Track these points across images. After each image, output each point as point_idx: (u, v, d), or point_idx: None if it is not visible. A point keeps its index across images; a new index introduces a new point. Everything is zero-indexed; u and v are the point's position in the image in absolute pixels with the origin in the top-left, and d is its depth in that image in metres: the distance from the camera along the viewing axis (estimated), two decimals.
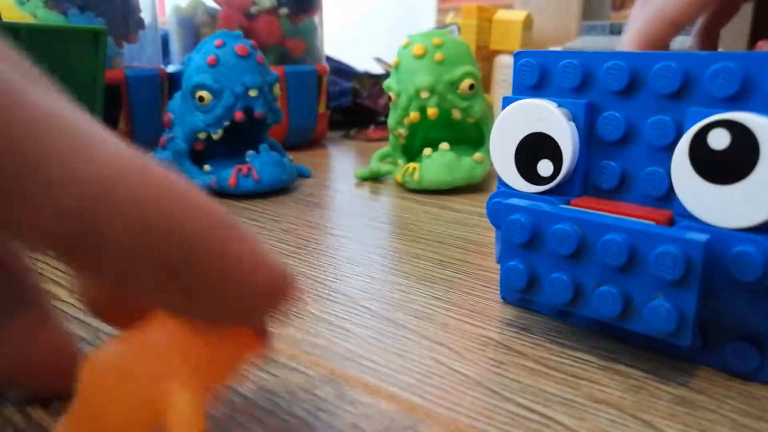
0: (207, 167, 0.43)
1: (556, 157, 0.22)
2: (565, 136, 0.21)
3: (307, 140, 0.64)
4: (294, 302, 0.13)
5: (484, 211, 0.38)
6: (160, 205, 0.11)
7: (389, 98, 0.45)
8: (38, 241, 0.10)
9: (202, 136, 0.43)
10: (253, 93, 0.42)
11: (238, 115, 0.42)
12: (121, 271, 0.11)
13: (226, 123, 0.42)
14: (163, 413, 0.12)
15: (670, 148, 0.19)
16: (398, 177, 0.45)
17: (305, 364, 0.20)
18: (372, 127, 0.75)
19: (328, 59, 0.75)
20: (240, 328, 0.14)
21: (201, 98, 0.42)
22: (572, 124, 0.21)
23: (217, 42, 0.43)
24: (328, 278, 0.27)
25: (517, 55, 0.23)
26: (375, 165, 0.48)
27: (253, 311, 0.13)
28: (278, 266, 0.13)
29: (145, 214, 0.11)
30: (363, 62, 0.88)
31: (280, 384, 0.18)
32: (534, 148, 0.22)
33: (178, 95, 0.45)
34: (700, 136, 0.18)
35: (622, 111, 0.21)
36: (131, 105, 0.52)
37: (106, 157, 0.11)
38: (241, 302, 0.12)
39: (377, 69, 0.86)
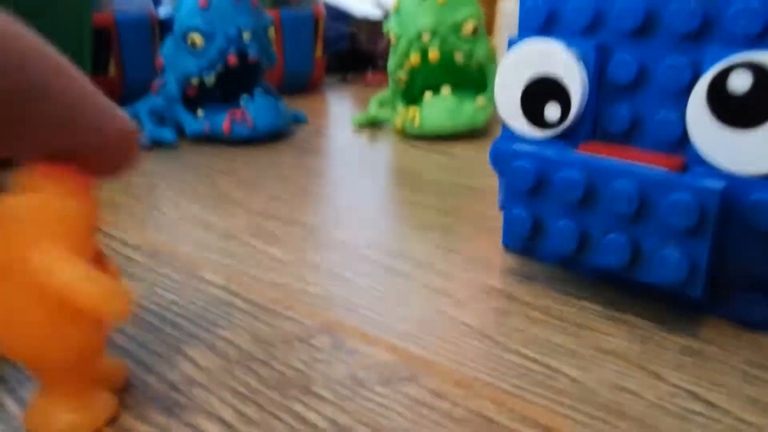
0: (200, 112, 0.42)
1: (564, 100, 0.21)
2: (574, 78, 0.20)
3: (303, 85, 0.62)
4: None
5: (487, 157, 0.38)
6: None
7: (389, 42, 0.44)
8: None
9: (194, 81, 0.41)
10: (246, 36, 0.41)
11: (232, 59, 0.41)
12: None
13: (220, 67, 0.41)
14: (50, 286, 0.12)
15: (686, 91, 0.18)
16: (398, 123, 0.44)
17: (302, 314, 0.19)
18: (370, 71, 0.74)
19: (325, 4, 0.72)
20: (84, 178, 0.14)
21: (193, 42, 0.40)
22: (581, 66, 0.20)
23: None
24: (326, 226, 0.26)
25: None
26: (373, 110, 0.47)
27: (106, 155, 0.14)
28: (125, 117, 0.15)
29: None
30: (361, 6, 0.86)
31: (275, 334, 0.18)
32: (541, 92, 0.21)
33: (169, 39, 0.44)
34: (720, 78, 0.17)
35: (634, 52, 0.20)
36: (121, 50, 0.50)
37: None
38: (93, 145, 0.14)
39: (376, 13, 0.83)
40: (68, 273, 0.12)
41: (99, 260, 0.14)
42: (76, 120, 0.13)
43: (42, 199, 0.13)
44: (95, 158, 0.14)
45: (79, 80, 0.14)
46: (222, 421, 0.14)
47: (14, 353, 0.13)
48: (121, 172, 0.15)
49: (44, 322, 0.13)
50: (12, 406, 0.15)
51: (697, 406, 0.15)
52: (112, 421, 0.14)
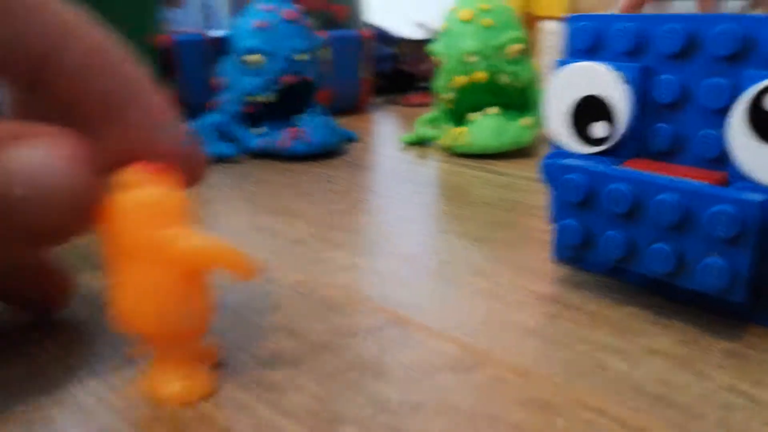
0: (258, 130, 0.45)
1: (610, 119, 0.22)
2: (620, 98, 0.22)
3: (351, 106, 0.65)
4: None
5: (533, 174, 0.39)
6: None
7: (433, 63, 0.46)
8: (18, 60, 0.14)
9: (252, 99, 0.44)
10: (301, 57, 0.43)
11: (288, 79, 0.43)
12: (75, 91, 0.14)
13: (277, 87, 0.43)
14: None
15: (726, 110, 0.20)
16: (445, 141, 0.46)
17: (370, 310, 0.21)
18: (414, 92, 0.76)
19: (370, 25, 0.75)
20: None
21: (251, 62, 0.43)
22: (626, 87, 0.22)
23: (266, 6, 0.43)
24: (384, 236, 0.28)
25: (571, 19, 0.24)
26: (421, 130, 0.49)
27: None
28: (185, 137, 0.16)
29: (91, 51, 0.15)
30: (404, 28, 0.88)
31: (348, 326, 0.20)
32: (588, 111, 0.23)
33: (228, 59, 0.47)
34: (759, 98, 0.19)
35: (676, 74, 0.21)
36: (179, 70, 0.53)
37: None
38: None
39: (418, 34, 0.86)
40: (204, 241, 0.15)
41: None
42: (149, 127, 0.15)
43: (161, 191, 0.15)
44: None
45: (156, 93, 0.16)
46: (309, 394, 0.16)
47: (147, 327, 0.15)
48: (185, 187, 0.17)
49: (176, 293, 0.15)
50: (132, 374, 0.17)
51: (740, 400, 0.16)
52: (215, 390, 0.16)
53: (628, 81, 0.22)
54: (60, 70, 0.14)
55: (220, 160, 0.42)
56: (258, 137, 0.44)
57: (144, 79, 0.16)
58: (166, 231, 0.15)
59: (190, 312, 0.15)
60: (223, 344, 0.18)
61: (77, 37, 0.15)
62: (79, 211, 0.14)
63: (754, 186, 0.19)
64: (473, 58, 0.42)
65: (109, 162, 0.15)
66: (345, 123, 0.56)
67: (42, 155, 0.14)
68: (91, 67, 0.15)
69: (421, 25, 0.83)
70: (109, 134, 0.15)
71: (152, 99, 0.16)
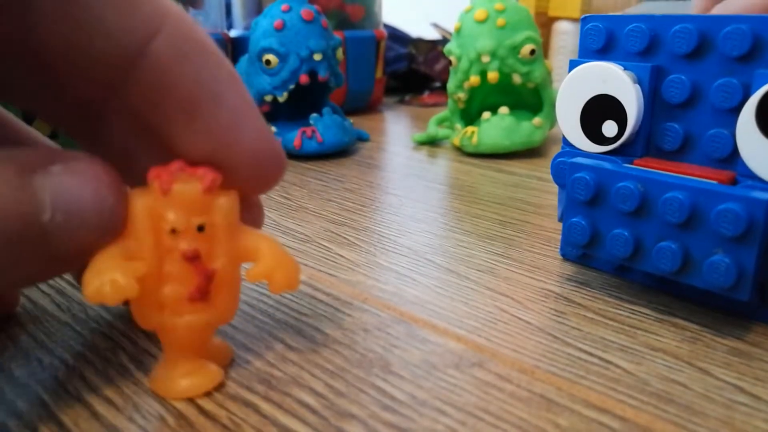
0: (273, 129, 0.45)
1: (621, 118, 0.22)
2: (631, 98, 0.22)
3: (364, 105, 0.65)
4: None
5: (543, 174, 0.39)
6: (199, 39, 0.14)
7: (449, 63, 0.46)
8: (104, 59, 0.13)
9: (268, 98, 0.44)
10: (317, 57, 0.43)
11: (303, 79, 0.43)
12: (167, 82, 0.14)
13: (292, 86, 0.44)
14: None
15: (736, 110, 0.20)
16: (456, 141, 0.46)
17: (377, 306, 0.21)
18: (427, 92, 0.76)
19: (384, 25, 0.75)
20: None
21: (268, 62, 0.43)
22: (637, 86, 0.22)
23: (284, 6, 0.44)
24: (393, 233, 0.29)
25: (584, 20, 0.24)
26: (432, 129, 0.49)
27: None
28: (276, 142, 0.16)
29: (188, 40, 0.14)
30: (418, 28, 0.89)
31: (355, 323, 0.20)
32: (599, 110, 0.23)
33: (244, 59, 0.47)
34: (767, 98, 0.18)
35: (687, 74, 0.21)
36: None
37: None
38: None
39: (432, 34, 0.86)
40: (273, 255, 0.16)
41: None
42: (237, 123, 0.15)
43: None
44: (232, 172, 0.15)
45: (244, 88, 0.15)
46: (314, 392, 0.16)
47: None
48: (258, 193, 0.17)
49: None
50: (137, 372, 0.17)
51: (742, 398, 0.16)
52: (220, 387, 0.17)
53: (639, 80, 0.22)
54: (155, 61, 0.14)
55: None
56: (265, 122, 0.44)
57: (233, 74, 0.15)
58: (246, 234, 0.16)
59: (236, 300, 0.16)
60: (229, 342, 0.19)
61: (174, 24, 0.14)
62: (106, 234, 0.14)
63: (762, 185, 0.19)
64: (487, 58, 0.42)
65: (188, 162, 0.15)
66: (357, 122, 0.56)
67: (69, 180, 0.13)
68: (187, 57, 0.14)
69: (435, 26, 0.83)
70: (193, 132, 0.15)
71: (240, 94, 0.15)
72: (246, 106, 0.15)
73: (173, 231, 0.15)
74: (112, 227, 0.14)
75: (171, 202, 0.15)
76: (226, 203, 0.15)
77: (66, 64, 0.14)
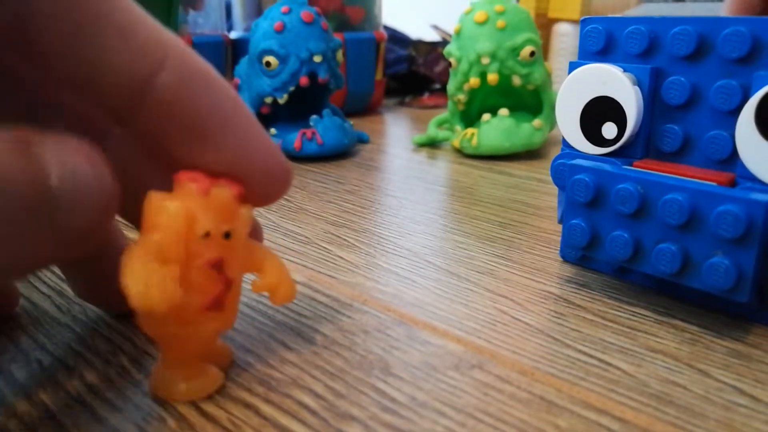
0: (273, 131, 0.45)
1: (621, 120, 0.22)
2: (630, 100, 0.22)
3: (364, 107, 0.65)
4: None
5: (543, 176, 0.39)
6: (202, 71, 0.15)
7: (449, 64, 0.46)
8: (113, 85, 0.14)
9: (268, 100, 0.44)
10: (317, 59, 0.43)
11: (303, 80, 0.43)
12: (172, 116, 0.14)
13: (292, 88, 0.44)
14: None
15: (736, 112, 0.20)
16: (456, 143, 0.46)
17: (377, 308, 0.21)
18: (426, 94, 0.76)
19: (384, 27, 0.75)
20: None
21: (268, 63, 0.43)
22: (637, 88, 0.22)
23: (284, 8, 0.44)
24: (393, 235, 0.29)
25: (583, 21, 0.24)
26: (432, 131, 0.49)
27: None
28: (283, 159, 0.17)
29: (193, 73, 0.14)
30: (417, 30, 0.89)
31: (355, 324, 0.20)
32: (599, 112, 0.23)
33: (244, 60, 0.47)
34: (767, 99, 0.18)
35: (687, 76, 0.21)
36: None
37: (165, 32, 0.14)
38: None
39: (432, 36, 0.86)
40: (278, 270, 0.17)
41: None
42: (245, 145, 0.15)
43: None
44: (244, 184, 0.16)
45: (248, 111, 0.16)
46: (314, 393, 0.16)
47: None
48: (264, 205, 0.17)
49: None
50: (137, 374, 0.17)
51: (742, 400, 0.16)
52: (221, 390, 0.17)
53: (639, 82, 0.22)
54: (161, 94, 0.14)
55: None
56: (272, 138, 0.44)
57: (237, 99, 0.15)
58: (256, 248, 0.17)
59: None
60: (229, 344, 0.19)
61: (177, 56, 0.14)
62: (108, 211, 0.14)
63: (762, 187, 0.19)
64: (487, 60, 0.43)
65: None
66: (357, 124, 0.56)
67: (68, 150, 0.13)
68: (192, 88, 0.14)
69: (435, 27, 0.83)
70: (202, 156, 0.15)
71: (245, 117, 0.15)
72: (252, 127, 0.16)
73: (207, 235, 0.15)
74: (112, 205, 0.14)
75: (207, 206, 0.15)
76: (247, 213, 0.16)
77: (72, 97, 0.14)
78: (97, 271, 0.19)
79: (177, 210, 0.14)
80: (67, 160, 0.13)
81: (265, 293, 0.17)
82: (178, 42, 0.14)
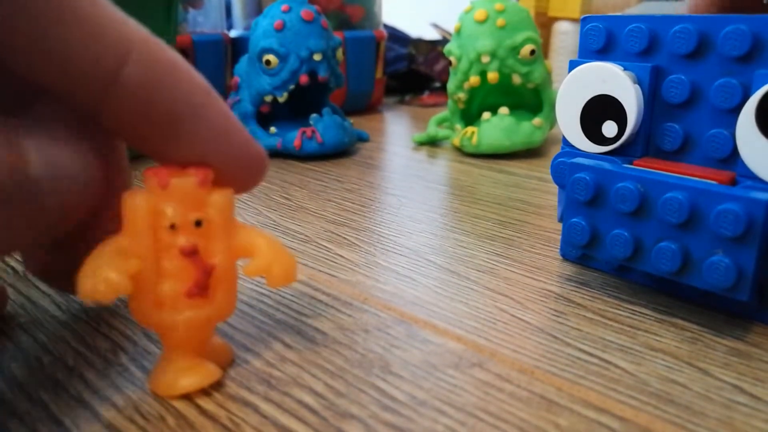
0: (273, 129, 0.45)
1: (621, 118, 0.22)
2: (630, 98, 0.22)
3: (364, 105, 0.65)
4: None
5: (543, 175, 0.39)
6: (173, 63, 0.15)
7: (449, 63, 0.46)
8: (76, 84, 0.14)
9: (268, 98, 0.44)
10: (317, 57, 0.43)
11: (303, 79, 0.43)
12: (142, 107, 0.14)
13: (292, 86, 0.44)
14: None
15: (736, 110, 0.20)
16: (456, 141, 0.46)
17: (377, 307, 0.21)
18: (426, 92, 0.76)
19: (384, 25, 0.75)
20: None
21: (268, 62, 0.43)
22: (637, 87, 0.22)
23: (284, 7, 0.44)
24: (393, 234, 0.29)
25: (584, 20, 0.24)
26: (432, 129, 0.49)
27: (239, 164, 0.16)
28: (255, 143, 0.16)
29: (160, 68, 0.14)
30: (417, 28, 0.89)
31: (355, 323, 0.20)
32: (599, 110, 0.23)
33: (244, 59, 0.47)
34: (767, 98, 0.18)
35: (687, 74, 0.21)
36: (198, 68, 0.54)
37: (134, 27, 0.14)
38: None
39: (432, 35, 0.86)
40: (269, 249, 0.16)
41: None
42: (218, 136, 0.15)
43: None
44: (219, 174, 0.16)
45: (220, 101, 0.16)
46: (314, 392, 0.16)
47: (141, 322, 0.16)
48: (241, 193, 0.17)
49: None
50: (137, 373, 0.17)
51: (742, 398, 0.16)
52: (220, 387, 0.17)
53: (639, 81, 0.22)
54: (128, 86, 0.14)
55: None
56: (271, 137, 0.44)
57: (208, 90, 0.15)
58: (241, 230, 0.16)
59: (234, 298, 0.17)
60: (229, 342, 0.19)
61: (142, 49, 0.14)
62: (90, 189, 0.15)
63: (762, 185, 0.19)
64: (487, 59, 0.43)
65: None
66: (357, 122, 0.56)
67: (53, 138, 0.14)
68: (159, 80, 0.14)
69: (435, 26, 0.83)
70: (175, 149, 0.15)
71: (217, 107, 0.15)
72: (224, 116, 0.16)
73: (172, 226, 0.15)
74: (95, 184, 0.15)
75: (169, 197, 0.15)
76: (220, 199, 0.16)
77: (42, 89, 0.14)
78: (62, 252, 0.19)
79: (138, 206, 0.15)
80: (49, 149, 0.14)
81: (264, 281, 0.17)
82: (143, 35, 0.14)
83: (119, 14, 0.14)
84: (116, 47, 0.14)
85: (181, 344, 0.16)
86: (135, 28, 0.14)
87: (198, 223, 0.15)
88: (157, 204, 0.15)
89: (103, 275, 0.14)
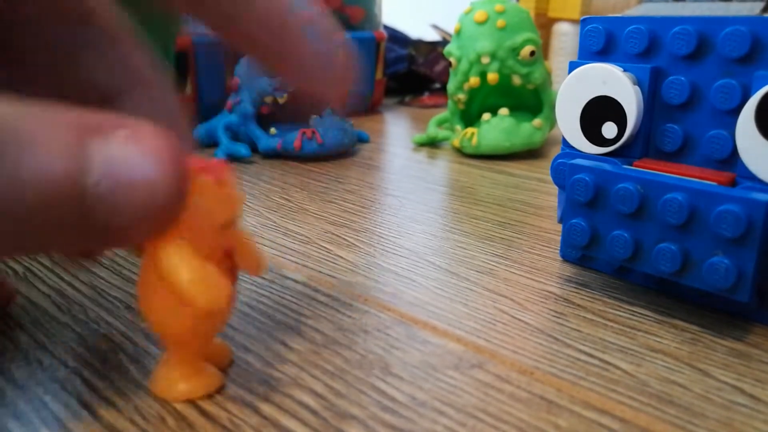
0: (273, 130, 0.45)
1: (621, 119, 0.22)
2: (630, 99, 0.22)
3: (364, 106, 0.65)
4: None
5: (543, 176, 0.39)
6: None
7: (449, 64, 0.46)
8: None
9: (268, 99, 0.44)
10: None
11: None
12: None
13: (292, 87, 0.44)
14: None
15: (736, 111, 0.20)
16: (456, 142, 0.46)
17: (377, 308, 0.21)
18: (426, 93, 0.76)
19: (384, 27, 0.75)
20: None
21: None
22: (637, 88, 0.22)
23: None
24: (393, 235, 0.29)
25: (584, 21, 0.24)
26: (432, 130, 0.49)
27: None
28: None
29: None
30: (417, 29, 0.89)
31: (355, 324, 0.20)
32: (599, 111, 0.23)
33: (244, 60, 0.47)
34: (767, 99, 0.18)
35: (687, 75, 0.21)
36: (197, 70, 0.54)
37: None
38: None
39: (432, 36, 0.86)
40: (181, 274, 0.14)
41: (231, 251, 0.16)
42: None
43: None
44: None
45: None
46: (314, 393, 0.16)
47: (152, 325, 0.16)
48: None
49: (164, 301, 0.15)
50: (137, 374, 0.17)
51: (742, 399, 0.16)
52: (220, 389, 0.17)
53: (639, 82, 0.22)
54: None
55: (234, 160, 0.43)
56: (271, 138, 0.44)
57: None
58: (165, 250, 0.14)
59: (179, 318, 0.15)
60: (229, 343, 0.19)
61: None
62: (157, 217, 0.13)
63: (762, 186, 0.19)
64: (487, 60, 0.43)
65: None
66: (357, 123, 0.56)
67: (128, 150, 0.12)
68: None
69: (435, 27, 0.83)
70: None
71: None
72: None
73: (224, 225, 0.14)
74: (165, 211, 0.13)
75: (220, 196, 0.14)
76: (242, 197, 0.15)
77: None
78: None
79: (197, 203, 0.14)
80: (121, 160, 0.12)
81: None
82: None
83: None
84: None
85: (191, 350, 0.16)
86: None
87: (232, 224, 0.15)
88: (210, 201, 0.14)
89: (223, 288, 0.14)
